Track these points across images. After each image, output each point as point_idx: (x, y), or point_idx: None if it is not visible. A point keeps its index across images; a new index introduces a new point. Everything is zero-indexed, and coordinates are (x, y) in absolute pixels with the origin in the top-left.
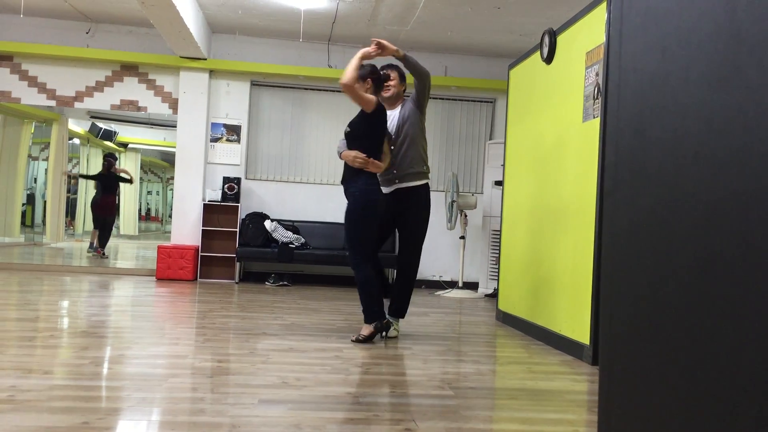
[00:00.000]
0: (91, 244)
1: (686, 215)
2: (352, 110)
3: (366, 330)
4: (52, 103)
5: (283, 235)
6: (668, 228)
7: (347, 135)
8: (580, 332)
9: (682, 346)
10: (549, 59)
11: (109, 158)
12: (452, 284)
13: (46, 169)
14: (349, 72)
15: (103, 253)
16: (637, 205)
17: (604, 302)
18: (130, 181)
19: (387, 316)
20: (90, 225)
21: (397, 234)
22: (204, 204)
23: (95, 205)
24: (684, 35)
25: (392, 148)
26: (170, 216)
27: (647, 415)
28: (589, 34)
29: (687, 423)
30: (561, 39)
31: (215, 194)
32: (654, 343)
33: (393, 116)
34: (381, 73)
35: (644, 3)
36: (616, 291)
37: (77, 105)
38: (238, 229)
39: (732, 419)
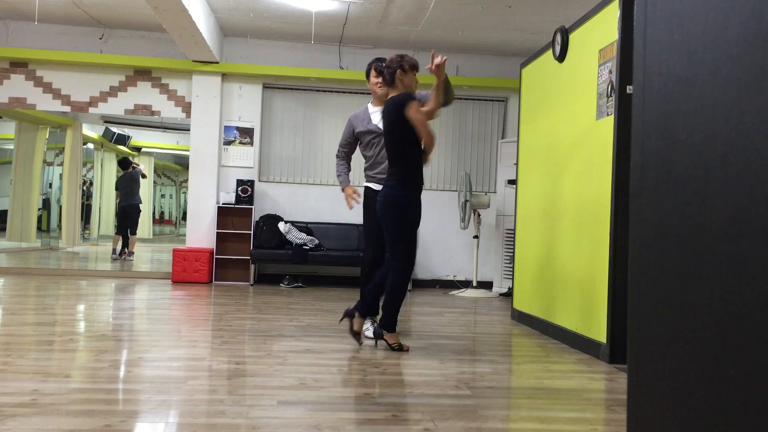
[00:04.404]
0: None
1: (715, 217)
2: None
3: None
4: (67, 108)
5: (296, 236)
6: (696, 230)
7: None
8: (597, 330)
9: (710, 347)
10: (561, 57)
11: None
12: (466, 284)
13: (61, 174)
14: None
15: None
16: (664, 207)
17: (631, 304)
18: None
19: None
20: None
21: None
22: (218, 207)
23: None
24: (710, 39)
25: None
26: (184, 219)
27: (676, 416)
28: (601, 32)
29: (716, 423)
30: (573, 37)
31: (229, 197)
32: (682, 344)
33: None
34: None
35: (668, 7)
36: (643, 292)
37: (92, 110)
38: (252, 232)
39: (762, 419)
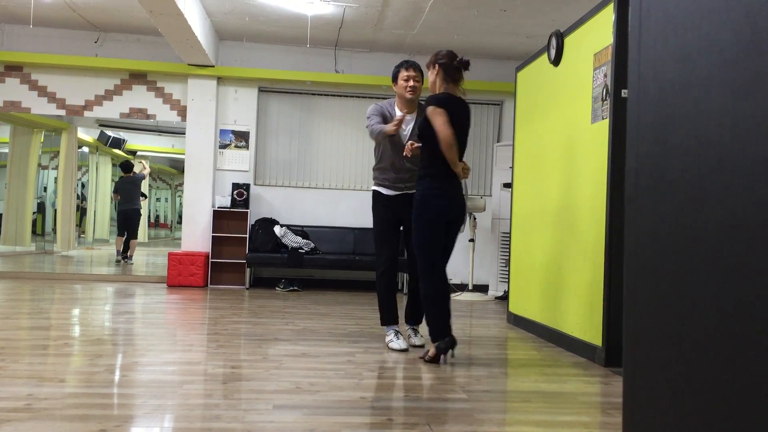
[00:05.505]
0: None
1: (709, 221)
2: (360, 114)
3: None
4: (62, 112)
5: (292, 240)
6: (691, 234)
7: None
8: (593, 334)
9: (704, 350)
10: (556, 61)
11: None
12: (462, 287)
13: (55, 178)
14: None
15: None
16: (660, 212)
17: (627, 308)
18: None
19: (408, 324)
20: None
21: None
22: (214, 210)
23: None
24: (705, 44)
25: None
26: (179, 223)
27: (671, 420)
28: (596, 36)
29: (711, 426)
30: (568, 41)
31: (225, 200)
32: (677, 347)
33: (410, 122)
34: (457, 60)
35: (663, 13)
36: (639, 296)
37: (87, 114)
38: (247, 235)
39: (758, 423)
